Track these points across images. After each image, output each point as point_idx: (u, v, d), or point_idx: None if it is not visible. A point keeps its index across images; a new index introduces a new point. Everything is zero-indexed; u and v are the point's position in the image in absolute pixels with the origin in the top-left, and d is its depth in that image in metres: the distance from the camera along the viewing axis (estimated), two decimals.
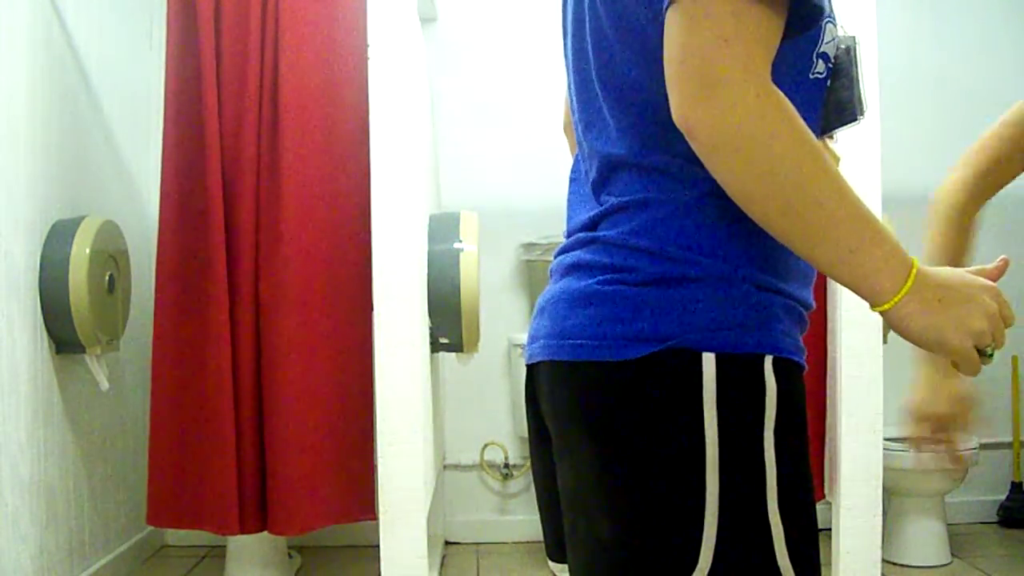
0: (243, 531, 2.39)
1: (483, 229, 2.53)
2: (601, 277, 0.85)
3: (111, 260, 2.51)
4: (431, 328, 2.35)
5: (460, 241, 2.41)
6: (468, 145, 3.23)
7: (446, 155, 3.22)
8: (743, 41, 0.72)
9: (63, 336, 2.37)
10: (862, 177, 1.96)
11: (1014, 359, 3.32)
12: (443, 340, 2.41)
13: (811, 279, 0.90)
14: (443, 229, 2.44)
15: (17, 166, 2.24)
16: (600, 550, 0.84)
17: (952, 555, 2.89)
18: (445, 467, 3.19)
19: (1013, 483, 3.27)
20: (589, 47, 0.90)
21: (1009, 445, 3.30)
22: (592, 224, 0.89)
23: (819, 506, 0.96)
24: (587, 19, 0.89)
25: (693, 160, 0.77)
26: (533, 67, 3.24)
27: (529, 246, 3.16)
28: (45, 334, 2.35)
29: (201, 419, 2.37)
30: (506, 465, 3.20)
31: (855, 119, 0.88)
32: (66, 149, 2.51)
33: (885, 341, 1.96)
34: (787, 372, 0.83)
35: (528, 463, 3.12)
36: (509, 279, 3.24)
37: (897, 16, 3.20)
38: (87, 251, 2.34)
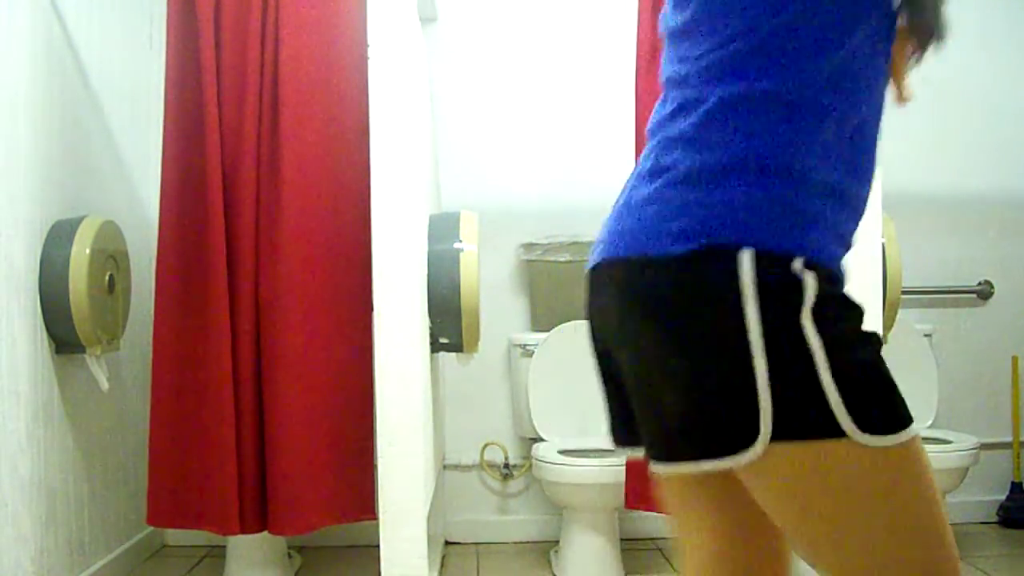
0: (243, 531, 2.39)
1: (483, 229, 2.53)
2: (653, 181, 0.92)
3: (111, 260, 2.51)
4: (431, 328, 2.35)
5: (460, 241, 2.41)
6: (468, 145, 3.23)
7: (446, 155, 3.22)
8: None
9: (63, 336, 2.37)
10: None
11: (1014, 359, 3.32)
12: (443, 340, 2.41)
13: (861, 165, 0.93)
14: (443, 229, 2.44)
15: (17, 166, 2.24)
16: (670, 424, 0.90)
17: None
18: (445, 467, 3.19)
19: (1013, 483, 3.27)
20: None
21: (1009, 445, 3.30)
22: (667, 117, 0.95)
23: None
24: None
25: (753, 53, 0.85)
26: (533, 67, 3.24)
27: (529, 246, 3.16)
28: (45, 334, 2.35)
29: (201, 419, 2.37)
30: (506, 465, 3.20)
31: (937, 39, 0.93)
32: (66, 149, 2.51)
33: (886, 341, 1.96)
34: (829, 274, 0.87)
35: (528, 463, 3.12)
36: (509, 279, 3.24)
37: None
38: (87, 251, 2.34)
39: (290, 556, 2.84)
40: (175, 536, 3.09)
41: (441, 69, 3.21)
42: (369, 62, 2.08)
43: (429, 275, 2.34)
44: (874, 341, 0.89)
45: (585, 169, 3.23)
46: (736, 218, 0.86)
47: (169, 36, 2.41)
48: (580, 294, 3.59)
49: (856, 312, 0.90)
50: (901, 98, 0.95)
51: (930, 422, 3.05)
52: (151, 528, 2.94)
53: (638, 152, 2.62)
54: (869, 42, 0.89)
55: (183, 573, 2.86)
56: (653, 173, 0.93)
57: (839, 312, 0.87)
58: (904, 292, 2.70)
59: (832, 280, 0.89)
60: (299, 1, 2.42)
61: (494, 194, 3.21)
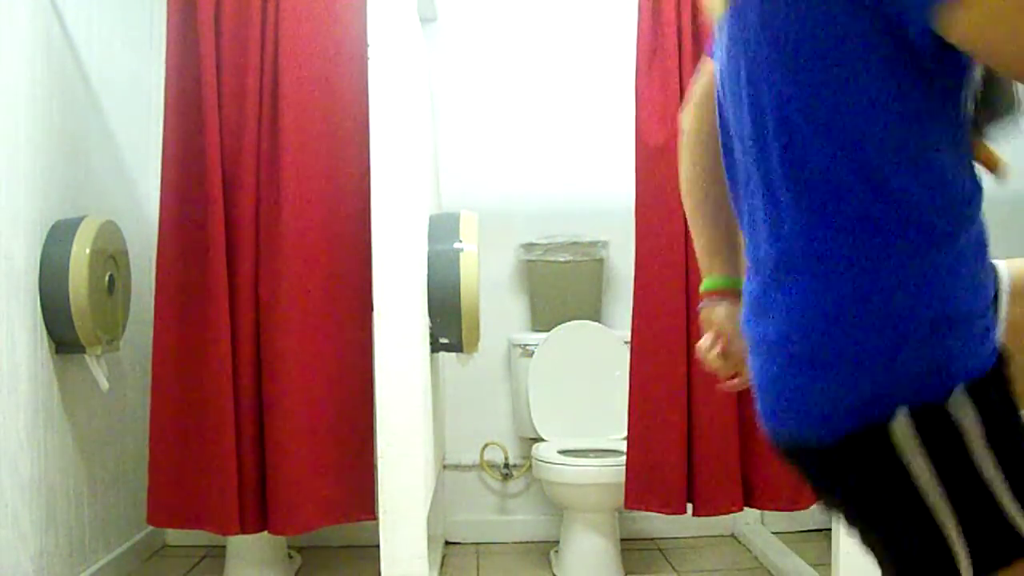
0: (243, 531, 2.39)
1: (483, 229, 2.53)
2: (784, 355, 0.90)
3: (111, 260, 2.51)
4: (431, 328, 2.35)
5: (460, 241, 2.41)
6: (468, 145, 3.23)
7: (446, 155, 3.23)
8: None
9: (63, 336, 2.37)
10: None
11: None
12: (443, 340, 2.41)
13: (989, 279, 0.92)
14: (443, 229, 2.44)
15: (17, 166, 2.24)
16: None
17: None
18: (445, 467, 3.19)
19: None
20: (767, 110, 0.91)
21: None
22: (774, 272, 0.92)
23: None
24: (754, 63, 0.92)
25: (849, 188, 0.83)
26: (533, 67, 3.24)
27: (529, 246, 3.16)
28: (45, 334, 2.35)
29: (201, 419, 2.37)
30: (506, 465, 3.20)
31: (1012, 112, 0.92)
32: (66, 149, 2.51)
33: None
34: (983, 385, 0.84)
35: (528, 463, 3.12)
36: (509, 279, 3.24)
37: None
38: (87, 251, 2.34)
39: (290, 556, 2.84)
40: (175, 536, 3.09)
41: (441, 69, 3.21)
42: (369, 62, 2.08)
43: (429, 275, 2.34)
44: None
45: (585, 169, 3.24)
46: (878, 385, 0.84)
47: (169, 35, 2.41)
48: (580, 294, 3.59)
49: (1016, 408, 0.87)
50: (996, 171, 0.94)
51: None
52: (151, 528, 2.94)
53: (639, 152, 2.61)
54: (948, 141, 0.87)
55: (183, 573, 2.86)
56: (779, 343, 0.91)
57: (1006, 416, 0.85)
58: None
59: (998, 380, 0.86)
60: (299, 0, 2.42)
61: (494, 194, 3.21)
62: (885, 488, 0.86)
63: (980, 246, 0.91)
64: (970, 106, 0.89)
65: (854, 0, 0.81)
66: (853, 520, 0.92)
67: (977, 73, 0.88)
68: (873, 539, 0.91)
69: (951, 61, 0.82)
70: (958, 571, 0.84)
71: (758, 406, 0.96)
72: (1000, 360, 0.87)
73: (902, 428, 0.83)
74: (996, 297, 0.94)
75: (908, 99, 0.83)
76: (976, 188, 0.90)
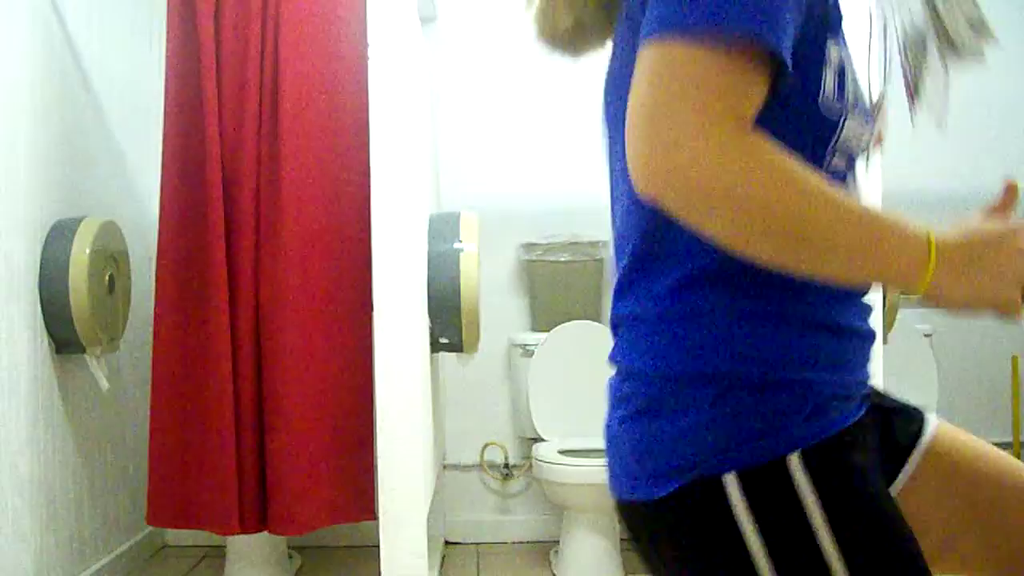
0: (243, 531, 2.39)
1: (483, 229, 2.53)
2: (616, 413, 0.87)
3: (111, 260, 2.51)
4: (431, 328, 2.35)
5: (460, 241, 2.41)
6: (468, 145, 3.23)
7: (446, 155, 3.22)
8: (701, 94, 0.68)
9: (63, 336, 2.37)
10: (862, 177, 1.96)
11: (1014, 359, 3.32)
12: (443, 340, 2.41)
13: (844, 293, 0.86)
14: (443, 229, 2.44)
15: (17, 166, 2.24)
16: None
17: None
18: (445, 467, 3.19)
19: None
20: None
21: (1009, 445, 3.30)
22: (614, 327, 0.90)
23: None
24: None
25: (664, 257, 0.80)
26: (533, 67, 3.24)
27: (529, 246, 3.16)
28: (45, 334, 2.35)
29: (201, 419, 2.37)
30: (506, 465, 3.20)
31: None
32: (66, 149, 2.51)
33: (885, 342, 1.96)
34: (824, 456, 0.79)
35: (528, 463, 3.12)
36: (509, 279, 3.24)
37: None
38: (87, 251, 2.34)
39: (290, 556, 2.84)
40: (175, 536, 3.09)
41: (441, 69, 3.21)
42: (369, 62, 2.08)
43: (429, 275, 2.34)
44: (897, 518, 0.82)
45: (585, 169, 3.23)
46: (707, 444, 0.79)
47: (169, 35, 2.41)
48: (580, 294, 3.58)
49: (869, 494, 0.82)
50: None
51: None
52: (151, 528, 2.94)
53: None
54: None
55: (183, 573, 2.86)
56: (619, 401, 0.87)
57: (859, 512, 0.80)
58: (904, 292, 2.70)
59: (844, 450, 0.81)
60: (299, 0, 2.42)
61: (494, 194, 3.21)
62: (715, 551, 0.80)
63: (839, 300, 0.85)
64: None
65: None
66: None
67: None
68: None
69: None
70: None
71: (606, 462, 0.92)
72: (851, 431, 0.82)
73: (734, 488, 0.78)
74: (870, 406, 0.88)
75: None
76: None
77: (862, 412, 0.85)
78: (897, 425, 0.99)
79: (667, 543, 0.84)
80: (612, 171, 0.93)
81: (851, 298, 0.87)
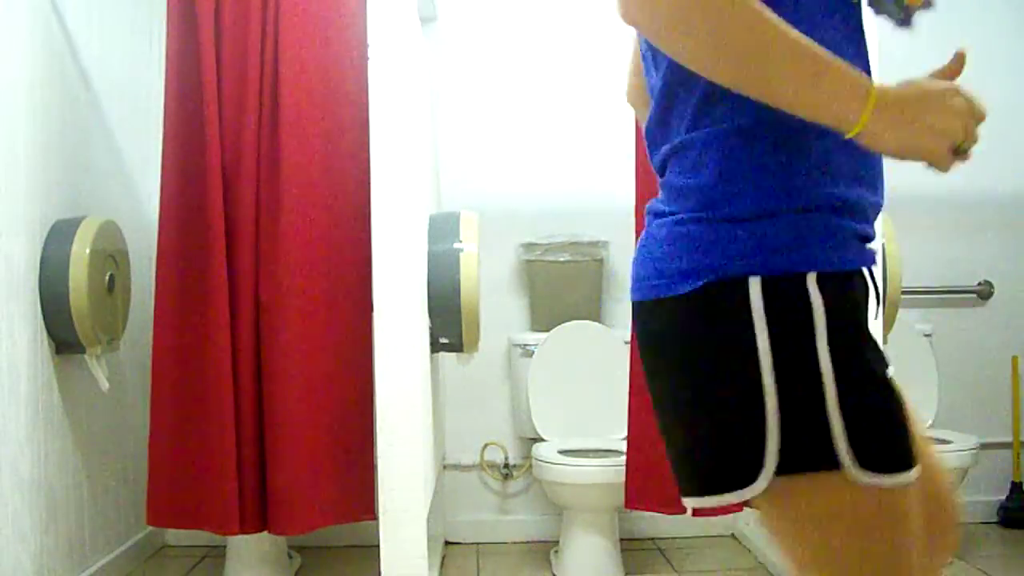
0: (243, 531, 2.39)
1: (483, 229, 2.53)
2: (658, 221, 0.96)
3: (111, 260, 2.51)
4: (431, 328, 2.35)
5: (460, 241, 2.41)
6: (468, 145, 3.23)
7: (446, 155, 3.23)
8: None
9: (63, 336, 2.37)
10: None
11: (1014, 359, 3.32)
12: (443, 340, 2.41)
13: (863, 175, 0.93)
14: (443, 229, 2.44)
15: (17, 166, 2.24)
16: (680, 458, 0.94)
17: (952, 555, 2.88)
18: (445, 467, 3.19)
19: (1013, 483, 3.27)
20: None
21: (1009, 445, 3.30)
22: (660, 169, 0.99)
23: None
24: None
25: (715, 99, 0.89)
26: (533, 67, 3.24)
27: (529, 246, 3.16)
28: (45, 334, 2.35)
29: (201, 419, 2.37)
30: (506, 465, 3.20)
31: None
32: (66, 149, 2.51)
33: (885, 341, 1.96)
34: (835, 284, 0.87)
35: (528, 463, 3.12)
36: (509, 279, 3.24)
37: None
38: (87, 251, 2.34)
39: (290, 556, 2.84)
40: (175, 536, 3.09)
41: (441, 69, 3.21)
42: (369, 62, 2.08)
43: (429, 275, 2.34)
44: (891, 383, 0.89)
45: (585, 169, 3.23)
46: (740, 249, 0.87)
47: (169, 35, 2.41)
48: (580, 294, 3.59)
49: (871, 345, 0.89)
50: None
51: (930, 422, 3.05)
52: (151, 528, 2.94)
53: (638, 152, 2.62)
54: (839, 39, 0.91)
55: (183, 573, 2.86)
56: (659, 215, 0.96)
57: (855, 343, 0.87)
58: (904, 292, 2.71)
59: (850, 288, 0.89)
60: (299, 0, 2.42)
61: (494, 194, 3.21)
62: (721, 350, 0.88)
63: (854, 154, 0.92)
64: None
65: None
66: (677, 383, 0.92)
67: None
68: (684, 410, 0.92)
69: None
70: (762, 458, 0.84)
71: (632, 280, 1.00)
72: (861, 274, 0.91)
73: (757, 289, 0.86)
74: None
75: None
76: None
77: (870, 268, 0.93)
78: None
79: (681, 339, 0.91)
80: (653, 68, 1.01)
81: (870, 166, 0.95)
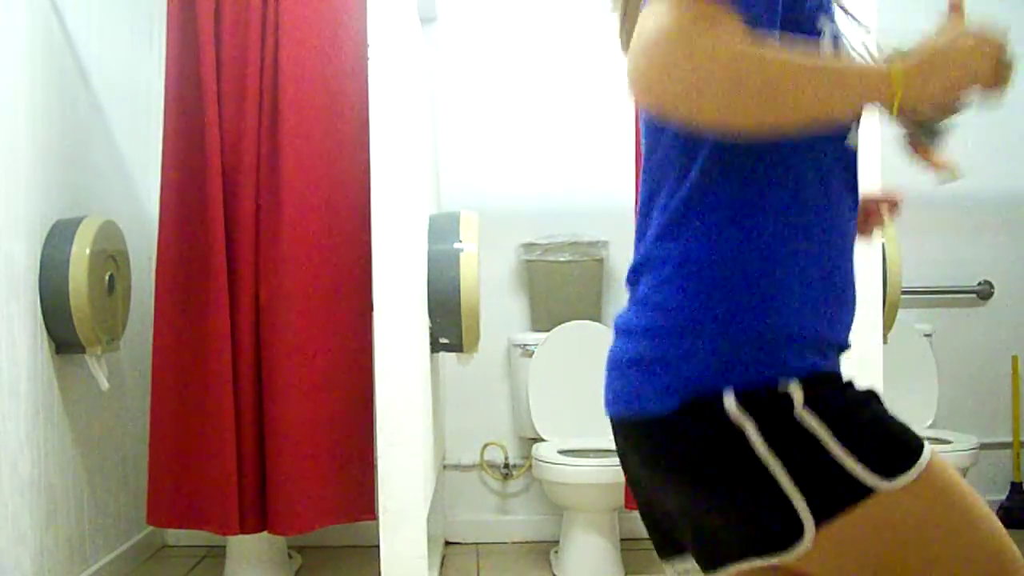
0: (243, 531, 2.39)
1: (483, 229, 2.53)
2: (627, 338, 0.96)
3: (111, 260, 2.51)
4: (431, 328, 2.35)
5: (460, 241, 2.41)
6: (468, 145, 3.23)
7: (446, 155, 3.23)
8: (673, 9, 0.78)
9: (63, 336, 2.37)
10: (862, 177, 1.96)
11: (1014, 359, 3.32)
12: (443, 340, 2.41)
13: (833, 313, 0.94)
14: (443, 229, 2.44)
15: (17, 166, 2.24)
16: (718, 534, 0.93)
17: None
18: (445, 467, 3.19)
19: (1013, 483, 3.27)
20: None
21: (1009, 445, 3.30)
22: (634, 276, 0.99)
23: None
24: None
25: (686, 211, 0.91)
26: (533, 67, 3.24)
27: (529, 246, 3.16)
28: (45, 334, 2.35)
29: (201, 419, 2.37)
30: (506, 465, 3.20)
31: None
32: (66, 149, 2.51)
33: (885, 341, 1.96)
34: (818, 381, 0.88)
35: (528, 463, 3.12)
36: (509, 279, 3.24)
37: (897, 16, 3.19)
38: (87, 251, 2.34)
39: (290, 556, 2.84)
40: (175, 536, 3.09)
41: (441, 69, 3.21)
42: (369, 62, 2.08)
43: (429, 275, 2.34)
44: (870, 397, 0.91)
45: (585, 169, 3.23)
46: (710, 365, 0.88)
47: (169, 35, 2.41)
48: (580, 294, 3.58)
49: (847, 384, 0.92)
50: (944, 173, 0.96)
51: (930, 422, 3.05)
52: (151, 528, 2.94)
53: (638, 152, 2.61)
54: (819, 176, 0.93)
55: (183, 573, 2.86)
56: (630, 332, 0.97)
57: (831, 392, 0.90)
58: (904, 292, 2.70)
59: (820, 379, 0.90)
60: (299, 0, 2.42)
61: (494, 194, 3.21)
62: (718, 455, 0.88)
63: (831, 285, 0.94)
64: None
65: None
66: (684, 492, 0.93)
67: None
68: (702, 510, 0.93)
69: None
70: (800, 523, 0.85)
71: (607, 391, 1.00)
72: (840, 376, 0.93)
73: (731, 399, 0.87)
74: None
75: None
76: (841, 233, 0.97)
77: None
78: None
79: (673, 456, 0.92)
80: (649, 152, 1.04)
81: (845, 258, 0.97)
